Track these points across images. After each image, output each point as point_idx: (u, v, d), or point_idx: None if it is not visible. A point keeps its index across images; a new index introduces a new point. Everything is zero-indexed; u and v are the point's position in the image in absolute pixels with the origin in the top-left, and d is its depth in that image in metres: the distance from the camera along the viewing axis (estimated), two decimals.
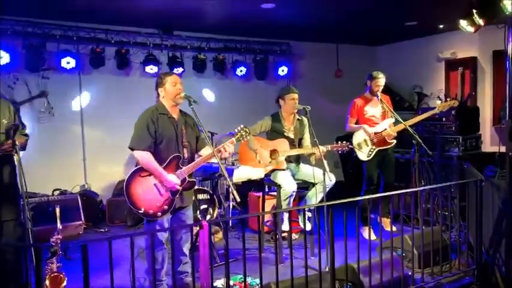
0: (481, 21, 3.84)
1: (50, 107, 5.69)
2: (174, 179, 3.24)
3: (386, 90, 5.50)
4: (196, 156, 3.50)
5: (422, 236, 3.51)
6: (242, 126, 3.40)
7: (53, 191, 5.55)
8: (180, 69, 6.27)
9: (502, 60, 3.59)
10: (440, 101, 5.31)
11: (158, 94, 3.40)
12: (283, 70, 7.05)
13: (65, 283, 3.13)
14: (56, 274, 3.06)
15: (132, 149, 3.26)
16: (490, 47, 6.42)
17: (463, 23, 4.06)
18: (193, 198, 4.12)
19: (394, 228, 3.67)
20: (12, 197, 3.25)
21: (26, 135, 3.44)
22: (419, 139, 4.40)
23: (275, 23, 6.17)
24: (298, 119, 4.48)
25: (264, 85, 7.05)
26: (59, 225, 3.13)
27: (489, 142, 6.42)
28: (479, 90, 6.71)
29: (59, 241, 2.99)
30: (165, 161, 3.26)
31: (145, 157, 3.22)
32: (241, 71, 6.79)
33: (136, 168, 3.28)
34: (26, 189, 2.85)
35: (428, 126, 5.52)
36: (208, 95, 6.83)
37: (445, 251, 3.72)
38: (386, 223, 4.59)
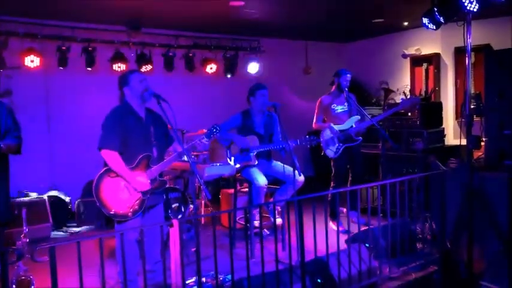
0: (441, 19, 3.97)
1: (15, 106, 5.52)
2: (141, 179, 3.21)
3: (354, 86, 5.62)
4: (166, 154, 3.49)
5: (389, 227, 3.62)
6: (212, 124, 3.42)
7: (18, 193, 5.41)
8: (149, 67, 6.21)
9: (463, 57, 3.73)
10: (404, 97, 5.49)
11: (123, 93, 3.35)
12: (253, 67, 7.08)
13: (32, 287, 3.08)
14: (23, 278, 3.01)
15: (99, 150, 3.21)
16: (452, 43, 6.65)
17: (425, 20, 4.19)
18: (164, 196, 4.10)
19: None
20: None
21: (18, 137, 3.25)
22: (385, 134, 4.56)
23: (244, 20, 6.19)
24: (268, 115, 4.52)
25: (234, 82, 7.06)
26: (25, 228, 3.07)
27: (452, 135, 6.65)
28: (442, 86, 6.94)
29: (25, 244, 2.93)
30: (134, 161, 3.23)
31: (112, 158, 3.16)
32: (211, 68, 6.78)
33: (105, 168, 3.23)
34: None
35: (394, 121, 5.68)
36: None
37: (411, 242, 3.85)
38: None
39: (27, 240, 3.14)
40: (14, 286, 2.93)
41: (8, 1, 4.83)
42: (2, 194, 3.06)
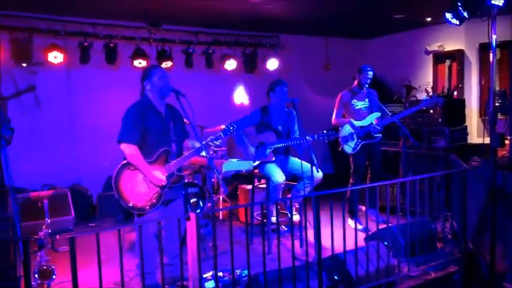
0: (465, 14, 3.88)
1: (39, 101, 5.66)
2: (159, 174, 3.24)
3: (375, 83, 5.54)
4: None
5: (408, 225, 3.56)
6: (229, 122, 3.45)
7: (42, 186, 5.53)
8: (169, 63, 6.25)
9: (488, 53, 3.64)
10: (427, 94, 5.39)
11: (143, 87, 3.40)
12: (272, 64, 7.05)
13: (54, 276, 3.15)
14: (45, 268, 3.08)
15: (119, 143, 3.26)
16: (477, 39, 6.48)
17: (449, 16, 4.10)
18: (183, 191, 4.13)
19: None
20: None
21: (11, 129, 3.41)
22: (406, 132, 4.50)
23: (263, 17, 6.17)
24: (286, 112, 4.51)
25: (253, 79, 7.06)
26: (47, 219, 3.14)
27: (475, 134, 6.50)
28: (466, 83, 6.78)
29: (47, 234, 3.00)
30: (153, 155, 3.27)
31: (131, 151, 3.21)
32: (230, 64, 6.78)
33: (125, 162, 3.28)
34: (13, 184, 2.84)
35: (415, 118, 5.58)
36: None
37: (431, 241, 3.77)
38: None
39: (49, 230, 3.21)
40: (36, 275, 3.02)
41: None
42: None
